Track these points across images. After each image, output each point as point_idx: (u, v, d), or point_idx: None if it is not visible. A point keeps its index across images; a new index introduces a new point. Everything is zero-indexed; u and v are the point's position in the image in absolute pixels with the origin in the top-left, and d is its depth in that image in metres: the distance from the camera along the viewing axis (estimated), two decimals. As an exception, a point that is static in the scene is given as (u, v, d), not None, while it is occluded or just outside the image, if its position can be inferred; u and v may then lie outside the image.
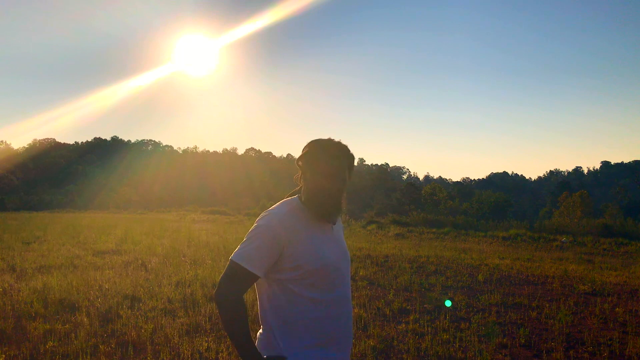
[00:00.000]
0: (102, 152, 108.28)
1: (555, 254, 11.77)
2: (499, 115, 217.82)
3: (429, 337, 4.48)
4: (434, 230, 17.13)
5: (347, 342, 1.65)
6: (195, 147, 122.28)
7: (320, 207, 1.60)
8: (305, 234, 1.58)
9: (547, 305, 5.84)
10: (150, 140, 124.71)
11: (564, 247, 13.48)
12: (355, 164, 1.67)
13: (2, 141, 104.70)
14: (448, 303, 5.81)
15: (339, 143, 1.63)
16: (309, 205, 1.61)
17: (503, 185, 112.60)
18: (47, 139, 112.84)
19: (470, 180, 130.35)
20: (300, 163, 1.64)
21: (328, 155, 1.59)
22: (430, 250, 11.61)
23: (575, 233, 15.70)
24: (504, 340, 4.45)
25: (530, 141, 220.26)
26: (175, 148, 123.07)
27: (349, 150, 1.64)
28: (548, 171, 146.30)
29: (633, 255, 11.92)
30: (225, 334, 4.51)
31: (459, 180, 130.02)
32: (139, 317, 4.99)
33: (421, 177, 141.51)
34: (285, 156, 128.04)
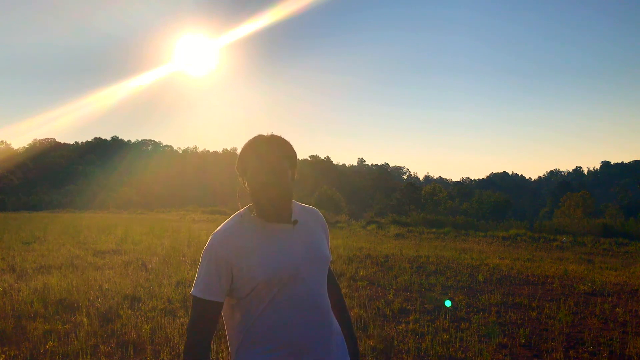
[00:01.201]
0: (102, 152, 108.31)
1: (555, 254, 11.77)
2: (499, 115, 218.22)
3: (429, 337, 4.48)
4: (434, 230, 17.14)
5: (317, 348, 1.51)
6: (195, 147, 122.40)
7: (262, 207, 1.48)
8: (252, 246, 1.48)
9: (547, 305, 5.84)
10: (150, 140, 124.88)
11: (564, 247, 13.48)
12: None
13: (2, 141, 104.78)
14: (448, 303, 5.81)
15: (269, 136, 1.53)
16: (255, 210, 1.51)
17: (503, 185, 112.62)
18: (47, 139, 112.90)
19: (470, 180, 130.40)
20: (237, 170, 1.55)
21: (254, 151, 1.49)
22: (430, 250, 11.61)
23: (575, 233, 15.70)
24: (504, 340, 4.45)
25: (530, 141, 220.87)
26: (175, 148, 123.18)
27: (281, 140, 1.53)
28: (548, 171, 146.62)
29: (633, 255, 11.92)
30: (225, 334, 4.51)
31: (459, 180, 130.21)
32: (139, 317, 4.99)
33: (421, 177, 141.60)
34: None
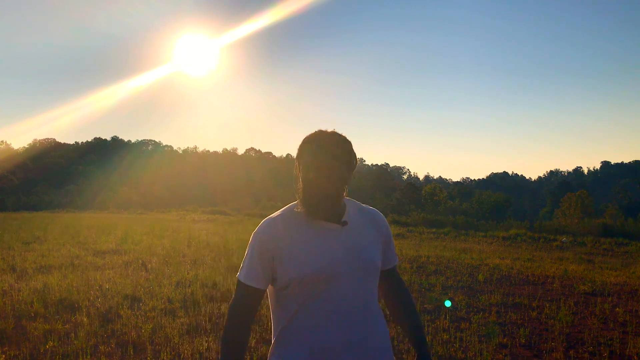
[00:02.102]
0: (102, 152, 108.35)
1: (555, 254, 11.77)
2: (499, 115, 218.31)
3: (429, 337, 4.48)
4: (434, 230, 17.13)
5: (348, 356, 1.45)
6: (195, 147, 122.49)
7: (306, 204, 1.46)
8: (293, 240, 1.47)
9: (547, 305, 5.84)
10: (150, 140, 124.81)
11: (564, 247, 13.48)
12: (355, 164, 1.51)
13: (2, 141, 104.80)
14: (448, 303, 5.81)
15: (329, 133, 1.49)
16: (302, 204, 1.49)
17: (503, 185, 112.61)
18: (47, 139, 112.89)
19: (470, 180, 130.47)
20: (296, 162, 1.54)
21: (308, 146, 1.47)
22: (430, 250, 11.61)
23: (575, 233, 15.71)
24: (504, 340, 4.45)
25: (530, 141, 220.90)
26: (175, 148, 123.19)
27: (339, 139, 1.48)
28: (548, 171, 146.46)
29: (633, 255, 11.92)
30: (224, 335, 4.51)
31: (459, 180, 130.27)
32: (139, 317, 4.99)
33: (421, 177, 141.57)
34: (285, 156, 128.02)
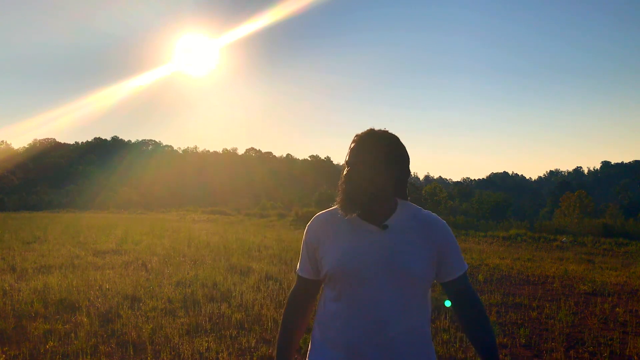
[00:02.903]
0: (102, 152, 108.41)
1: (555, 254, 11.77)
2: (499, 115, 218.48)
3: (429, 337, 4.48)
4: (434, 230, 17.12)
5: (368, 356, 1.43)
6: (195, 147, 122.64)
7: (339, 201, 1.45)
8: (332, 235, 1.49)
9: (548, 305, 5.84)
10: (150, 140, 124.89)
11: (564, 247, 13.47)
12: (404, 167, 1.46)
13: (2, 141, 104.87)
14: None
15: (377, 131, 1.45)
16: (337, 201, 1.48)
17: (503, 185, 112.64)
18: (47, 139, 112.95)
19: (470, 180, 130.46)
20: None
21: (354, 144, 1.45)
22: (430, 250, 11.59)
23: (575, 233, 15.69)
24: (504, 340, 4.45)
25: (530, 141, 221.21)
26: (175, 148, 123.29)
27: (385, 139, 1.44)
28: (548, 171, 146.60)
29: (633, 255, 11.91)
30: (227, 333, 4.51)
31: (459, 180, 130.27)
32: (139, 317, 4.99)
33: (421, 177, 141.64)
34: (285, 156, 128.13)
